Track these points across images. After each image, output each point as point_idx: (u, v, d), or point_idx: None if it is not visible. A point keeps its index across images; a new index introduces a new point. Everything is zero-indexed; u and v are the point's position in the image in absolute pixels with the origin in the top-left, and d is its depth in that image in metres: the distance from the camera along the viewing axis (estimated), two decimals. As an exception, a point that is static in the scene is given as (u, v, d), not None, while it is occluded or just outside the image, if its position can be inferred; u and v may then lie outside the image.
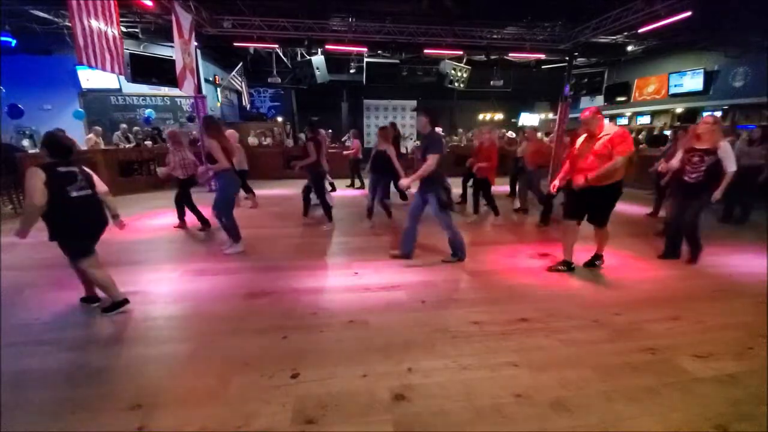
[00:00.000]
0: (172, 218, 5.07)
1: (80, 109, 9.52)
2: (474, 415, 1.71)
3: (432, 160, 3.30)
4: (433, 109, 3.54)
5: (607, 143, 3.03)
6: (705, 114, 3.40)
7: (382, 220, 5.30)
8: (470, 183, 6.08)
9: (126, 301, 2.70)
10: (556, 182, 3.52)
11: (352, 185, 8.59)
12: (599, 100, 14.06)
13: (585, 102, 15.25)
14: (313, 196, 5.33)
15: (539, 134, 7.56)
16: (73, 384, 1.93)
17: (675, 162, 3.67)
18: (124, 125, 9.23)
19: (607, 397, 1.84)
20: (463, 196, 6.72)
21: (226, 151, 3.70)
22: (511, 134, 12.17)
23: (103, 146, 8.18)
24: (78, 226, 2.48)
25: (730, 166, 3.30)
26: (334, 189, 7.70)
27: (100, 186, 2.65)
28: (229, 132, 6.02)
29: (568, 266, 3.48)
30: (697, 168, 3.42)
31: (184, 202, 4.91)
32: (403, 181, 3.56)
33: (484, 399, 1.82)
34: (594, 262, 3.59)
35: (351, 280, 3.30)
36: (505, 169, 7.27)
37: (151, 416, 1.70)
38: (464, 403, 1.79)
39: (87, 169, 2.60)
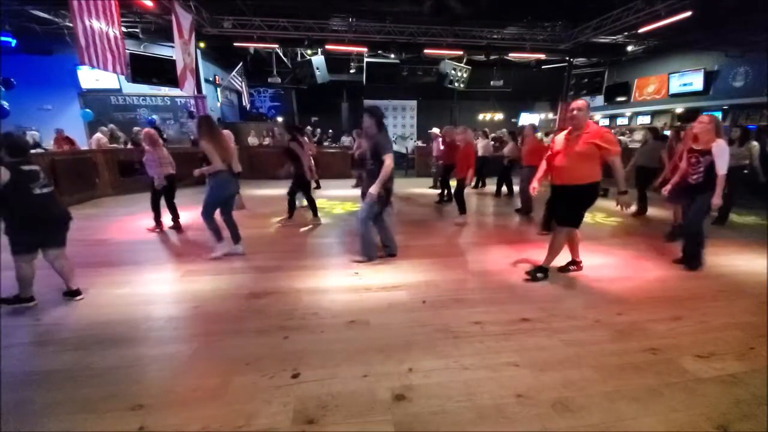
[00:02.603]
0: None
1: (88, 110, 9.51)
2: (475, 416, 1.71)
3: (389, 159, 3.32)
4: (377, 109, 3.45)
5: (593, 143, 2.86)
6: (704, 114, 3.30)
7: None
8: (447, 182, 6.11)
9: (32, 299, 2.74)
10: (535, 184, 3.32)
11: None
12: (599, 100, 14.09)
13: (585, 102, 15.27)
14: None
15: (539, 134, 7.59)
16: (75, 384, 1.92)
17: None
18: (111, 125, 9.20)
19: (609, 397, 1.84)
20: (441, 195, 6.87)
21: (225, 152, 3.55)
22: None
23: (109, 145, 8.30)
24: (38, 222, 2.61)
25: (721, 167, 3.21)
26: (318, 186, 8.02)
27: None
28: (224, 133, 6.07)
29: (545, 273, 3.32)
30: (696, 169, 3.38)
31: (156, 201, 4.72)
32: (373, 189, 3.33)
33: (485, 399, 1.81)
34: (569, 267, 3.47)
35: (352, 280, 3.30)
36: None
37: (152, 416, 1.70)
38: (465, 403, 1.79)
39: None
